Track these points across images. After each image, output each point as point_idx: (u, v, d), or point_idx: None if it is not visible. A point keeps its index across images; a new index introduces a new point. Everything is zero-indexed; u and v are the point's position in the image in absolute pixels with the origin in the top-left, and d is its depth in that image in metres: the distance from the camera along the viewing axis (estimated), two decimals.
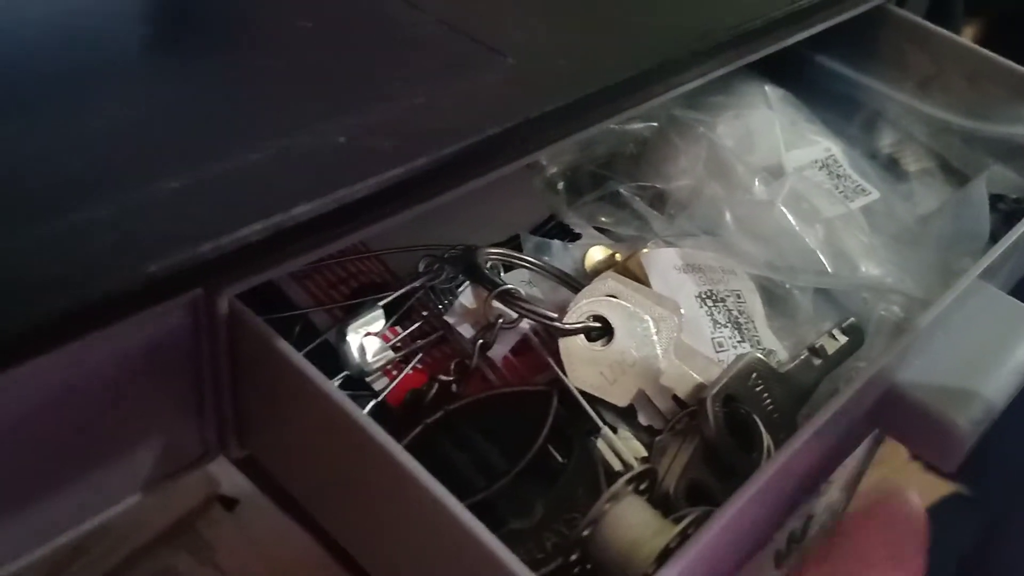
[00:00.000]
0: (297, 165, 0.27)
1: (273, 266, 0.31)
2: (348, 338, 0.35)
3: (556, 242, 0.46)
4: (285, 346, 0.32)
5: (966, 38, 0.63)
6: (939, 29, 0.61)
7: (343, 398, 0.32)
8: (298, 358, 0.32)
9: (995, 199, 0.55)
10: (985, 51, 0.60)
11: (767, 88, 0.54)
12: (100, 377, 0.30)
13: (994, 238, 0.48)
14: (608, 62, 0.35)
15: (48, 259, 0.24)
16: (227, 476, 0.74)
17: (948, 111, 0.60)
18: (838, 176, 0.54)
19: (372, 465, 0.31)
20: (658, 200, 0.49)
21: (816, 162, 0.53)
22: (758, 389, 0.37)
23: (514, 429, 0.37)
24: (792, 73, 0.59)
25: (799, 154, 0.52)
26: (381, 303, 0.37)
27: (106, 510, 0.33)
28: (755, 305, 0.43)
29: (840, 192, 0.52)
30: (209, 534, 0.72)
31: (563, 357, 0.38)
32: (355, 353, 0.35)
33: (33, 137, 0.28)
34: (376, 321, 0.36)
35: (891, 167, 0.59)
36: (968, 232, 0.48)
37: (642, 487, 0.34)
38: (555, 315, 0.38)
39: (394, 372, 0.38)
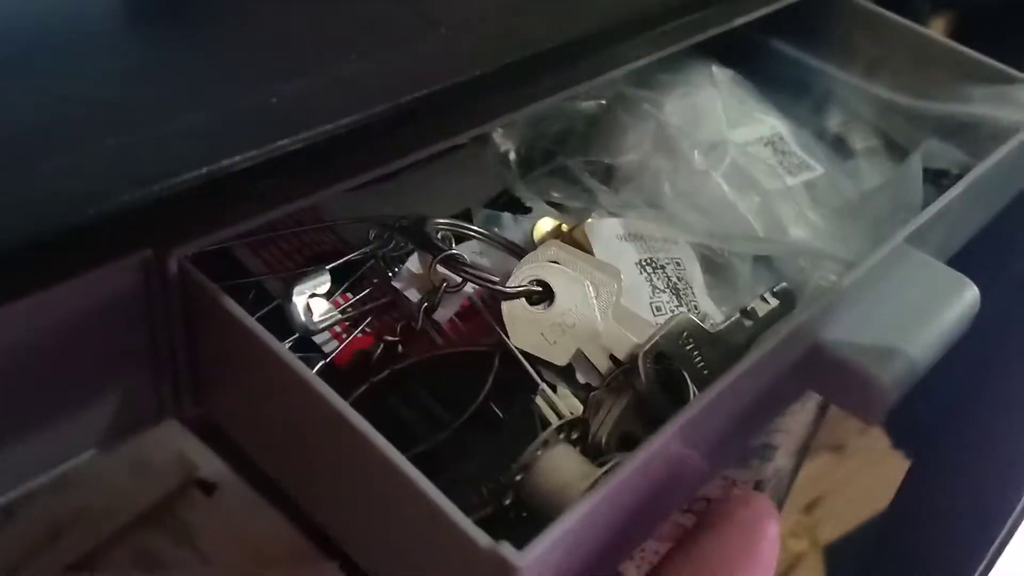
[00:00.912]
0: (232, 124, 0.29)
1: (220, 227, 0.33)
2: (295, 299, 0.37)
3: (506, 214, 0.48)
4: (234, 306, 0.34)
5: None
6: (888, 13, 0.64)
7: (291, 356, 0.33)
8: (247, 318, 0.34)
9: (938, 174, 0.57)
10: (931, 33, 0.62)
11: (714, 68, 0.55)
12: (55, 334, 0.32)
13: None
14: (539, 31, 0.37)
15: None
16: (205, 461, 0.76)
17: (894, 91, 0.62)
18: (783, 153, 0.56)
19: (320, 420, 0.33)
20: (606, 175, 0.50)
21: (761, 139, 0.55)
22: (688, 347, 0.39)
23: (458, 387, 0.38)
24: (744, 56, 0.61)
25: (744, 131, 0.54)
26: (329, 267, 0.38)
27: (64, 462, 0.35)
28: (694, 272, 0.45)
29: (784, 168, 0.54)
30: (188, 517, 0.74)
31: (505, 320, 0.40)
32: (301, 313, 0.37)
33: None
34: (322, 283, 0.38)
35: (838, 145, 0.61)
36: (903, 204, 0.50)
37: (574, 436, 0.36)
38: (498, 279, 0.40)
39: (344, 336, 0.40)
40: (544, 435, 0.34)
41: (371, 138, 0.30)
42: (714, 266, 0.47)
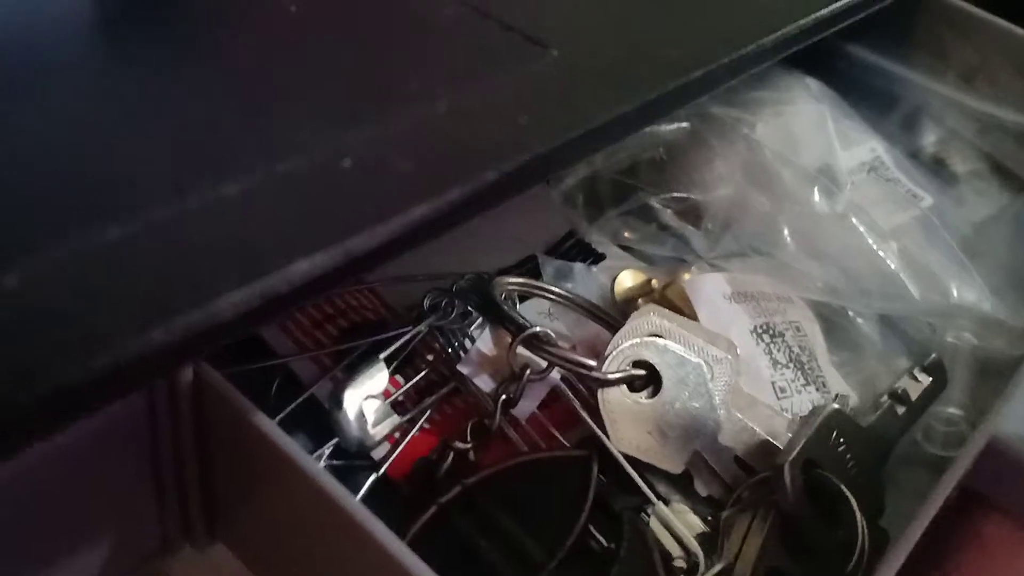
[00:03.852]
0: (289, 202, 0.19)
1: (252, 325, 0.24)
2: (345, 404, 0.28)
3: (579, 265, 0.39)
4: (260, 417, 0.25)
5: None
6: (983, 13, 0.55)
7: (330, 481, 0.25)
8: (275, 431, 0.25)
9: None
10: None
11: (809, 80, 0.47)
12: (41, 467, 0.23)
13: None
14: (671, 56, 0.28)
15: None
16: None
17: (997, 105, 0.54)
18: (887, 180, 0.47)
19: (370, 566, 0.25)
20: (692, 212, 0.42)
21: (863, 164, 0.47)
22: (840, 449, 0.31)
23: (548, 505, 0.30)
24: (821, 64, 0.52)
25: (845, 156, 0.46)
26: (383, 353, 0.30)
27: None
28: (817, 339, 0.37)
29: (892, 200, 0.45)
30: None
31: (604, 414, 0.31)
32: (354, 423, 0.28)
33: None
34: (377, 376, 0.29)
35: (936, 169, 0.53)
36: None
37: None
38: (593, 363, 0.31)
39: (396, 435, 0.31)
40: None
41: (469, 208, 0.21)
42: (832, 327, 0.39)
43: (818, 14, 0.35)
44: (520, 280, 0.35)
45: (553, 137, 0.22)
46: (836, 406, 0.31)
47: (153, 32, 0.25)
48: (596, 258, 0.41)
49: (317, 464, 0.25)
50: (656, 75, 0.26)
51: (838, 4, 0.37)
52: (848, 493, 0.29)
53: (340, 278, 0.19)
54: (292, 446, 0.25)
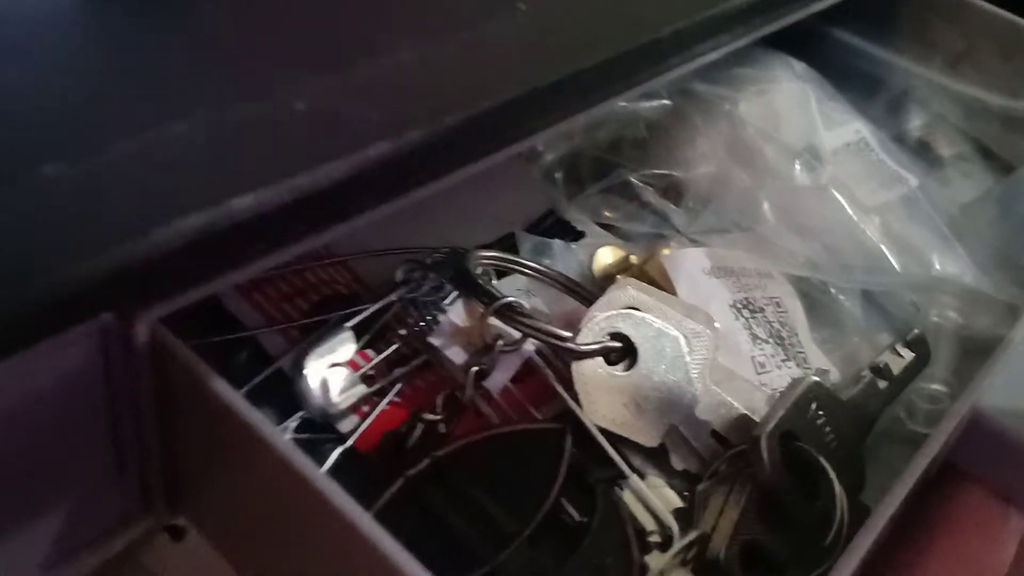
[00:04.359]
0: (238, 141, 0.19)
1: (207, 279, 0.24)
2: (307, 371, 0.27)
3: (558, 242, 0.39)
4: (221, 385, 0.24)
5: None
6: None
7: (293, 451, 0.24)
8: (237, 400, 0.24)
9: None
10: (1021, 21, 0.54)
11: (792, 61, 0.47)
12: None
13: None
14: (645, 14, 0.27)
15: None
16: None
17: (982, 89, 0.53)
18: (872, 162, 0.47)
19: (334, 537, 0.24)
20: (673, 190, 0.41)
21: (848, 145, 0.46)
22: (819, 422, 0.30)
23: (519, 478, 0.29)
24: (807, 48, 0.52)
25: (829, 136, 0.46)
26: (350, 323, 0.29)
27: None
28: (797, 315, 0.37)
29: (877, 181, 0.45)
30: (154, 567, 0.64)
31: (577, 386, 0.31)
32: (316, 390, 0.28)
33: None
34: (343, 346, 0.28)
35: (922, 152, 0.52)
36: None
37: (688, 555, 0.27)
38: (568, 334, 0.30)
39: (365, 408, 0.31)
40: (661, 566, 0.24)
41: (433, 158, 0.21)
42: (814, 303, 0.38)
43: None
44: (495, 254, 0.34)
45: (514, 87, 0.22)
46: (816, 379, 0.31)
47: None
48: (576, 235, 0.41)
49: (280, 434, 0.25)
50: (625, 32, 0.25)
51: None
52: (826, 464, 0.28)
53: (287, 218, 0.18)
54: (253, 414, 0.24)
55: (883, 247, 0.35)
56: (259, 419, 0.25)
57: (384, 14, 0.25)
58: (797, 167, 0.38)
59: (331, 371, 0.28)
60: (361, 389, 0.29)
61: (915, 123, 0.54)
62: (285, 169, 0.18)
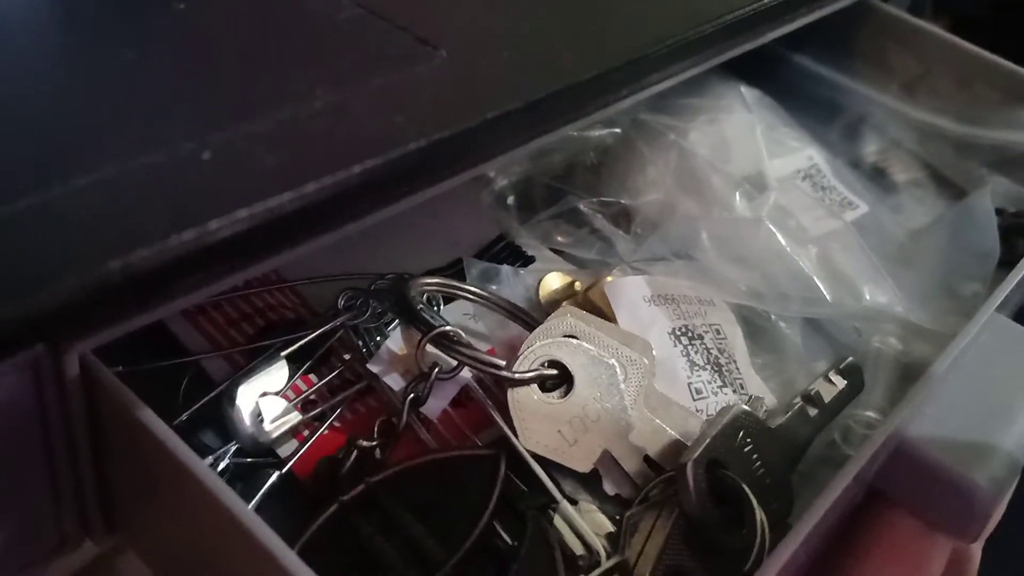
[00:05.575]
0: (138, 194, 0.19)
1: (139, 312, 0.24)
2: (239, 401, 0.28)
3: (505, 268, 0.39)
4: (150, 416, 0.25)
5: None
6: (926, 25, 0.56)
7: (219, 486, 0.25)
8: (164, 431, 0.25)
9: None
10: (977, 49, 0.55)
11: (743, 88, 0.47)
12: None
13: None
14: (566, 58, 0.28)
15: None
16: None
17: (937, 115, 0.54)
18: (823, 188, 0.48)
19: (256, 570, 0.24)
20: (623, 217, 0.42)
21: (798, 172, 0.47)
22: (747, 449, 0.31)
23: (453, 504, 0.30)
24: (766, 73, 0.53)
25: (779, 164, 0.47)
26: (286, 351, 0.30)
27: None
28: (737, 341, 0.37)
29: (825, 207, 0.46)
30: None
31: (513, 413, 0.31)
32: (246, 419, 0.28)
33: None
34: (277, 374, 0.29)
35: (877, 177, 0.53)
36: (974, 251, 0.42)
37: None
38: (502, 363, 0.31)
39: (306, 433, 0.31)
40: None
41: (341, 205, 0.21)
42: (755, 330, 0.39)
43: (700, 28, 0.35)
44: (437, 280, 0.35)
45: (426, 135, 0.23)
46: (745, 407, 0.32)
47: (41, 22, 0.25)
48: (526, 261, 0.41)
49: (204, 465, 0.25)
50: (543, 79, 0.26)
51: (722, 19, 0.37)
52: (749, 492, 0.29)
53: (184, 271, 0.19)
54: (180, 446, 0.25)
55: (815, 278, 0.36)
56: (185, 451, 0.25)
57: (303, 61, 0.26)
58: (737, 196, 0.38)
59: (263, 399, 0.29)
60: (294, 417, 0.30)
61: (871, 148, 0.55)
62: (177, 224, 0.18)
